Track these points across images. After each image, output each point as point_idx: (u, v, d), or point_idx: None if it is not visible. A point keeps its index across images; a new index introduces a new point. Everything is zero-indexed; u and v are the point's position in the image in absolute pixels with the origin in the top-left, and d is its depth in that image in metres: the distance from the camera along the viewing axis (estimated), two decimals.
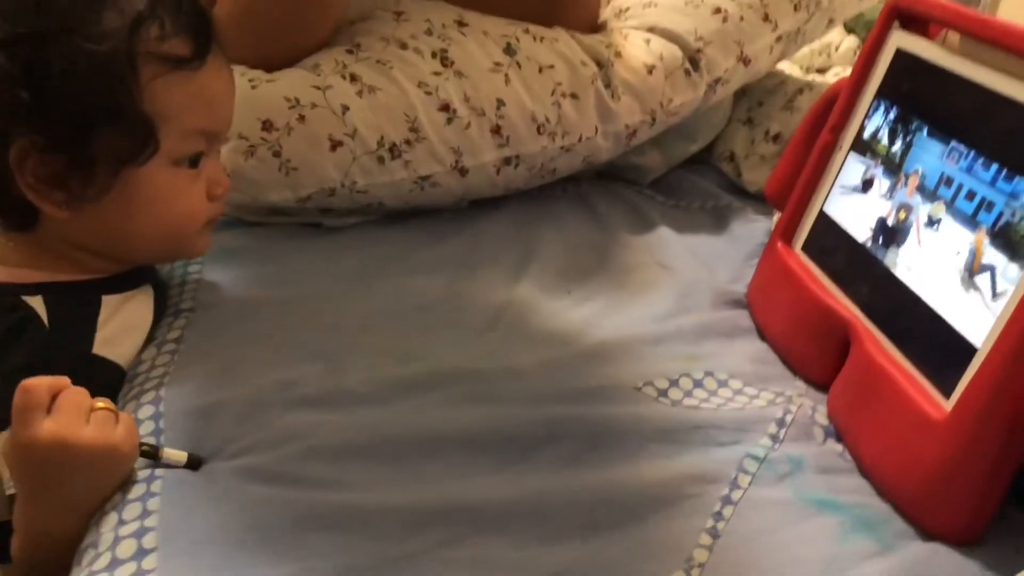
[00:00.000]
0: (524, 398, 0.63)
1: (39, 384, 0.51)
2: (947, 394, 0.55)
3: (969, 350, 0.54)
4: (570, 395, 0.64)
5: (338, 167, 0.82)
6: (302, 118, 0.80)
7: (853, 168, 0.71)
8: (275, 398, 0.60)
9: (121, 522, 0.50)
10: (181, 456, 0.54)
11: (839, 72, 1.31)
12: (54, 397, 0.51)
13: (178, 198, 0.65)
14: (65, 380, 0.52)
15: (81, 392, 0.52)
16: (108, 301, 0.65)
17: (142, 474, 0.54)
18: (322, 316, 0.71)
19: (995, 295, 0.54)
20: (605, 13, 1.03)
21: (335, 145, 0.81)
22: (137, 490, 0.52)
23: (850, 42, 1.43)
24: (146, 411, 0.59)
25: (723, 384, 0.68)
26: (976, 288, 0.55)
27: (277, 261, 0.80)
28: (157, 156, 0.61)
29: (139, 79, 0.59)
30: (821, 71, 1.35)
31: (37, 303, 0.61)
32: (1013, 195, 0.54)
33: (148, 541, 0.48)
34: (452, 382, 0.64)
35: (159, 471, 0.54)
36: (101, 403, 0.53)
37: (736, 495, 0.56)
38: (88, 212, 0.61)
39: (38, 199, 0.60)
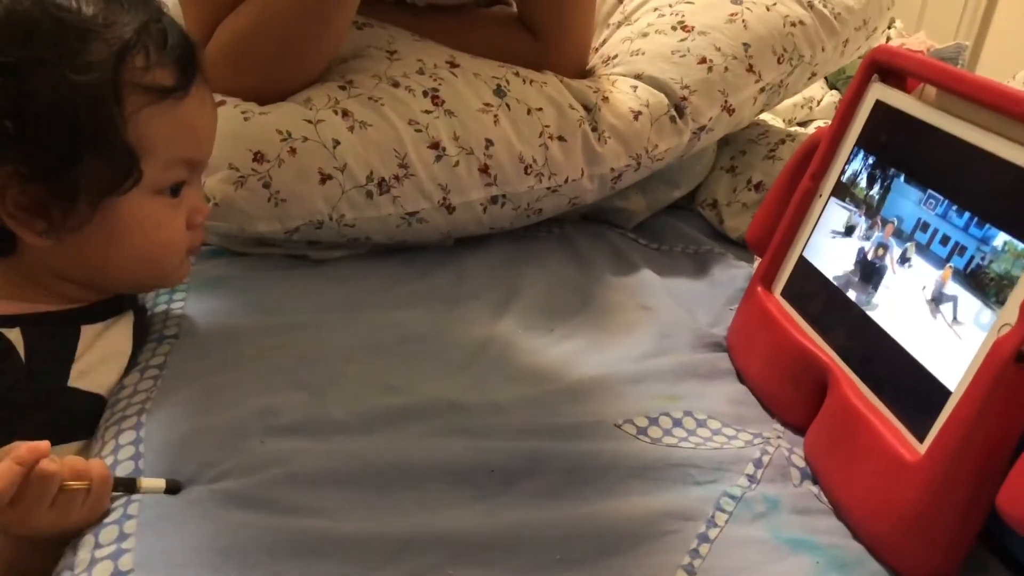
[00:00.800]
0: (505, 432, 0.63)
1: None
2: (921, 437, 0.56)
3: (943, 393, 0.56)
4: (550, 430, 0.64)
5: (327, 200, 0.83)
6: (293, 151, 0.81)
7: (834, 214, 0.73)
8: (256, 425, 0.60)
9: (98, 544, 0.49)
10: (159, 484, 0.54)
11: (820, 125, 1.34)
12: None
13: (159, 227, 0.64)
14: (43, 452, 0.50)
15: (49, 476, 0.50)
16: (87, 331, 0.65)
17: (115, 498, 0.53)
18: (305, 345, 0.71)
19: (955, 320, 0.55)
20: (593, 60, 1.05)
21: (325, 179, 0.82)
22: (114, 514, 0.52)
23: (831, 97, 1.46)
24: (127, 436, 0.58)
25: (702, 424, 0.68)
26: (940, 314, 0.57)
27: (262, 290, 0.80)
28: (139, 186, 0.61)
29: (124, 109, 0.59)
30: (803, 124, 1.38)
31: (15, 335, 0.61)
32: (983, 240, 0.56)
33: (124, 563, 0.47)
34: (433, 414, 0.65)
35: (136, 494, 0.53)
36: (73, 483, 0.51)
37: (713, 533, 0.57)
38: (68, 241, 0.61)
39: (18, 228, 0.60)
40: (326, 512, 0.53)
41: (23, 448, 0.50)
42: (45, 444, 0.51)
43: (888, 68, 0.71)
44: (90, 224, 0.60)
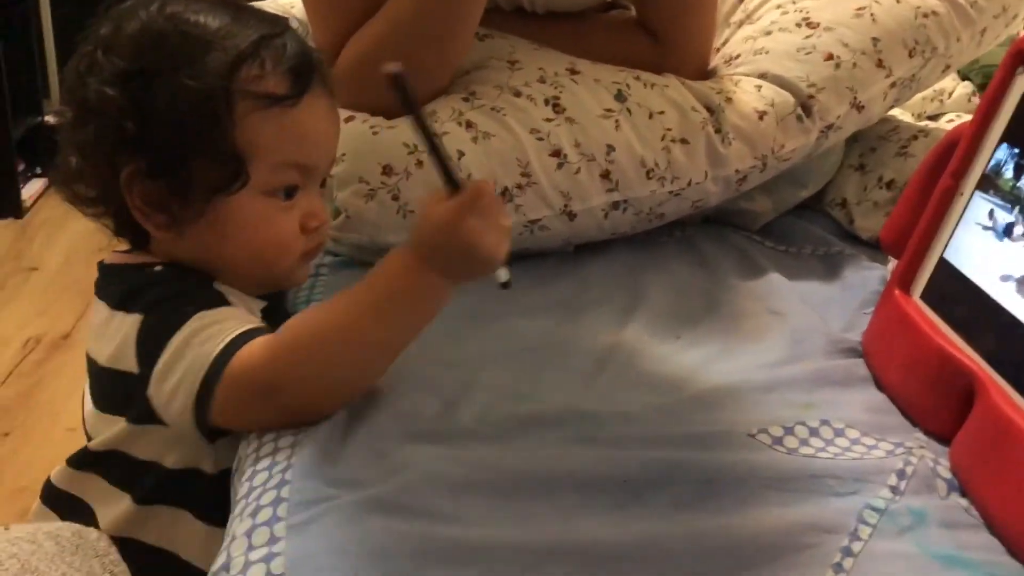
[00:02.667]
0: (636, 441, 0.63)
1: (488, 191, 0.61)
2: None
3: None
4: (683, 440, 0.63)
5: None
6: (420, 163, 0.83)
7: (981, 213, 0.70)
8: (394, 430, 0.61)
9: (251, 547, 0.52)
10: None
11: (952, 119, 1.28)
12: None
13: (268, 227, 0.68)
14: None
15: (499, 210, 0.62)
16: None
17: (267, 498, 0.56)
18: (435, 354, 0.73)
19: None
20: (715, 60, 1.03)
21: None
22: (264, 514, 0.54)
23: (964, 88, 1.39)
24: (285, 440, 0.61)
25: (840, 433, 0.66)
26: None
27: None
28: (249, 186, 0.65)
29: (233, 115, 0.63)
30: (933, 118, 1.32)
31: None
32: None
33: (276, 566, 0.50)
34: (563, 423, 0.65)
35: (284, 494, 0.56)
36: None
37: (856, 547, 0.55)
38: (188, 234, 0.67)
39: (144, 220, 0.66)
40: (464, 519, 0.54)
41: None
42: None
43: None
44: (204, 219, 0.66)
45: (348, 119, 0.87)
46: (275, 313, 0.73)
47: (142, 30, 0.64)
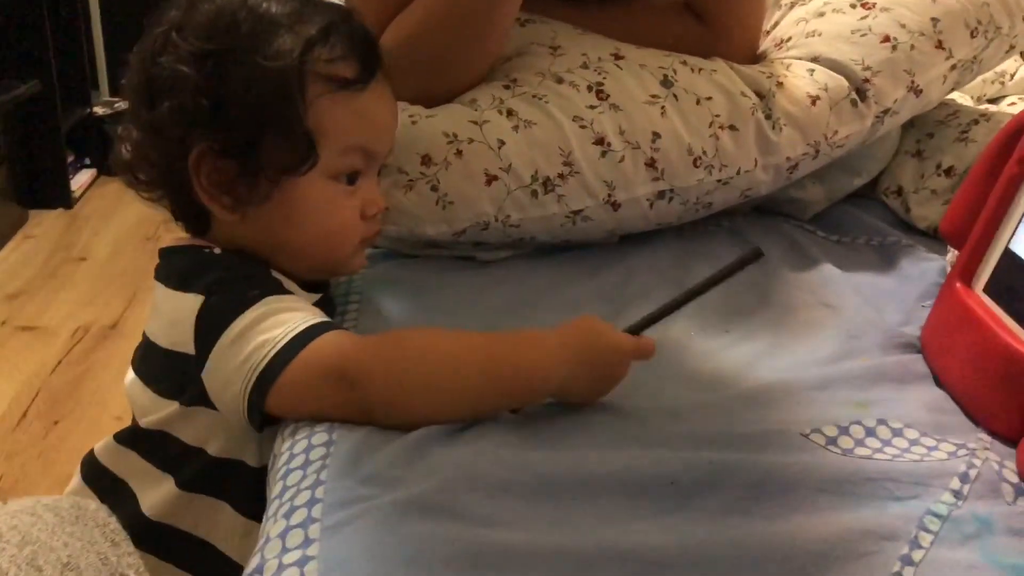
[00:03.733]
0: (683, 440, 0.60)
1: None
2: None
3: None
4: (732, 440, 0.61)
5: (493, 201, 0.82)
6: (459, 153, 0.81)
7: None
8: (432, 428, 0.60)
9: (284, 549, 0.50)
10: None
11: (1015, 102, 1.23)
12: None
13: (333, 211, 0.68)
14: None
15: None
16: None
17: (301, 498, 0.54)
18: None
19: None
20: (765, 43, 1.00)
21: (490, 180, 0.82)
22: (298, 515, 0.53)
23: None
24: (320, 437, 0.59)
25: (898, 433, 0.63)
26: None
27: (433, 292, 0.81)
28: (316, 169, 0.66)
29: (305, 96, 0.64)
30: (993, 101, 1.27)
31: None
32: None
33: (310, 570, 0.48)
34: (608, 421, 0.63)
35: (319, 494, 0.54)
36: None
37: (917, 555, 0.52)
38: (252, 218, 0.66)
39: (209, 201, 0.66)
40: (504, 523, 0.52)
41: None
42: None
43: None
44: (270, 202, 0.66)
45: None
46: (326, 307, 0.72)
47: (217, 12, 0.65)
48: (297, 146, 0.64)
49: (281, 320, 0.62)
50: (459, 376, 0.61)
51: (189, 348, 0.63)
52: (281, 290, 0.66)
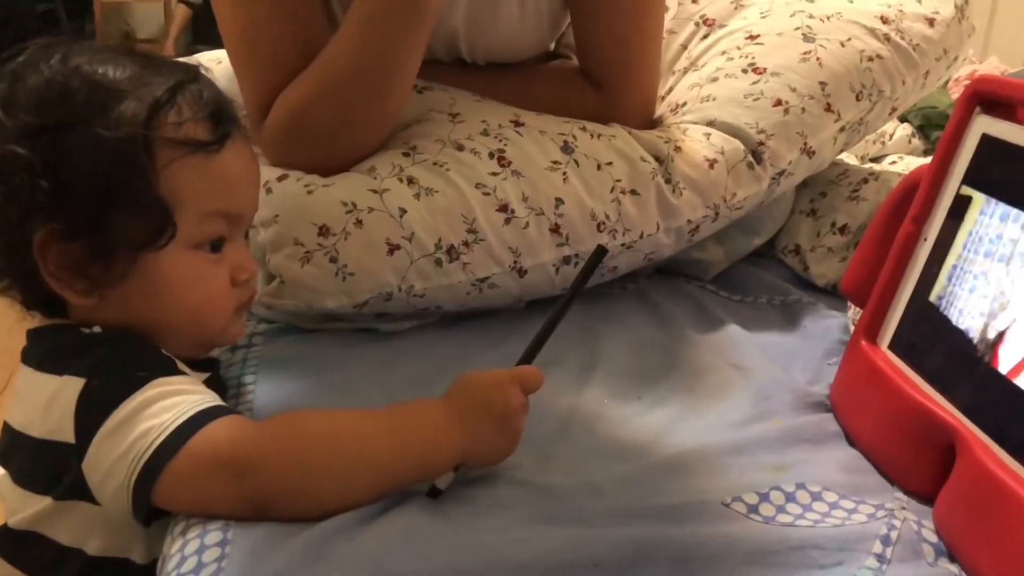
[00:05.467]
0: (604, 516, 0.58)
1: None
2: None
3: None
4: (653, 513, 0.59)
5: (395, 271, 0.79)
6: (359, 222, 0.78)
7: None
8: (338, 521, 0.55)
9: None
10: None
11: (895, 160, 1.28)
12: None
13: (199, 283, 0.64)
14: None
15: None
16: None
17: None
18: None
19: None
20: (661, 108, 1.01)
21: (392, 249, 0.79)
22: None
23: (903, 130, 1.40)
24: (213, 536, 0.54)
25: (817, 497, 0.62)
26: None
27: (334, 369, 0.76)
28: (176, 240, 0.61)
29: (155, 164, 0.60)
30: (876, 159, 1.32)
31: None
32: None
33: None
34: (525, 498, 0.60)
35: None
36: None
37: None
38: (111, 299, 0.61)
39: (60, 287, 0.61)
40: None
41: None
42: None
43: (993, 99, 0.66)
44: (129, 281, 0.61)
45: (281, 178, 0.82)
46: (215, 387, 0.68)
47: (47, 83, 0.59)
48: (151, 219, 0.60)
49: (169, 404, 0.57)
50: (363, 457, 0.58)
51: (68, 436, 0.58)
52: (172, 370, 0.61)
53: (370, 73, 0.80)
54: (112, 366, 0.59)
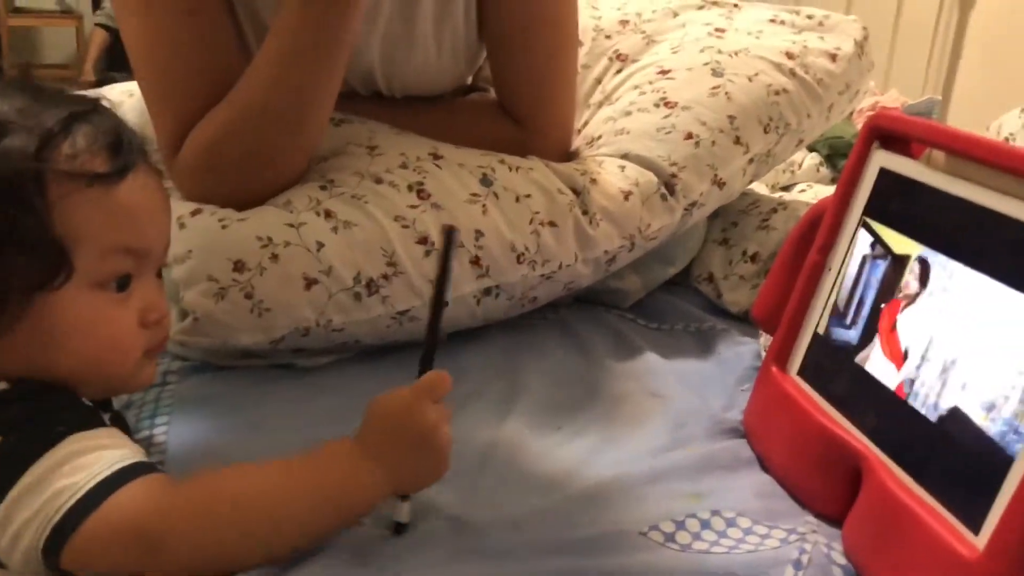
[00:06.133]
0: (524, 551, 0.58)
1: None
2: (975, 529, 0.52)
3: (991, 480, 0.52)
4: (574, 545, 0.59)
5: (313, 306, 0.79)
6: (275, 257, 0.77)
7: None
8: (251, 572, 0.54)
9: None
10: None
11: (804, 189, 1.33)
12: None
13: (103, 324, 0.59)
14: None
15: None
16: None
17: None
18: None
19: None
20: (577, 142, 1.03)
21: (310, 283, 0.78)
22: None
23: (812, 159, 1.46)
24: None
25: (731, 523, 0.64)
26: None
27: (251, 407, 0.75)
28: (74, 280, 0.57)
29: (47, 198, 0.55)
30: (786, 188, 1.37)
31: None
32: None
33: None
34: (446, 535, 0.60)
35: None
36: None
37: None
38: (7, 345, 0.57)
39: None
40: None
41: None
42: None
43: (890, 134, 0.69)
44: (25, 324, 0.56)
45: (195, 212, 0.81)
46: (119, 423, 0.65)
47: None
48: (44, 258, 0.56)
49: (86, 463, 0.54)
50: (280, 520, 0.56)
51: None
52: (93, 421, 0.57)
53: (284, 108, 0.80)
54: (28, 422, 0.56)
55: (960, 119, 2.03)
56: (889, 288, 0.65)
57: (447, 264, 0.65)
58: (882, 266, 0.66)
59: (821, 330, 0.71)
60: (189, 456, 0.67)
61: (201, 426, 0.72)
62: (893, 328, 0.64)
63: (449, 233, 0.64)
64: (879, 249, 0.67)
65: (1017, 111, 1.68)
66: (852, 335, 0.68)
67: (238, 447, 0.69)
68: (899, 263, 0.64)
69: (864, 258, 0.68)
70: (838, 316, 0.70)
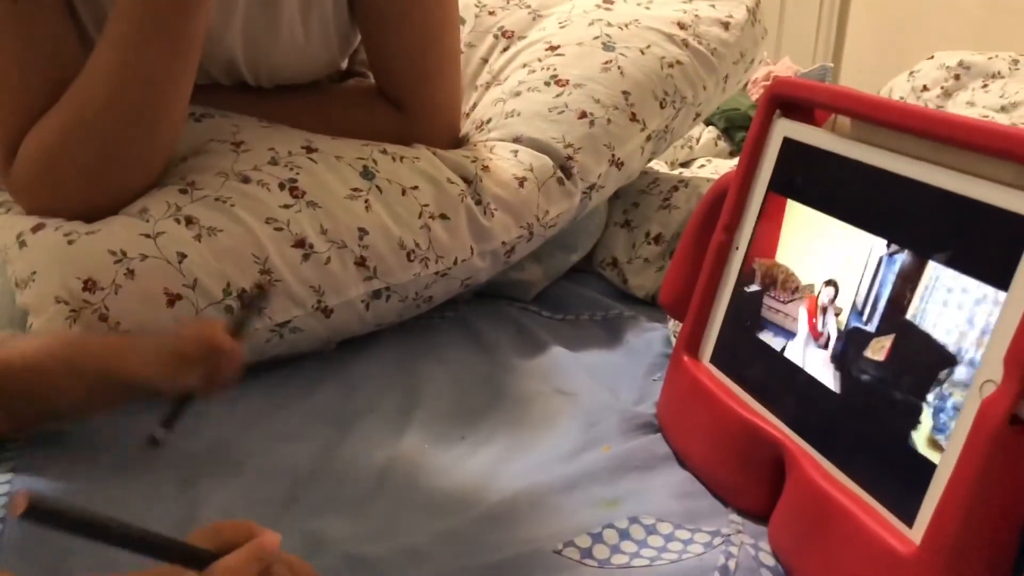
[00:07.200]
0: None
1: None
2: (908, 522, 0.48)
3: (925, 465, 0.48)
4: (482, 573, 0.53)
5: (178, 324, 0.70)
6: (131, 273, 0.69)
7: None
8: None
9: None
10: None
11: (703, 164, 1.30)
12: None
13: None
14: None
15: None
16: None
17: None
18: (177, 515, 0.59)
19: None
20: (466, 126, 0.97)
21: (172, 300, 0.70)
22: None
23: (709, 133, 1.43)
24: None
25: (651, 531, 0.59)
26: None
27: (111, 447, 0.67)
28: None
29: None
30: (685, 164, 1.34)
31: None
32: None
33: None
34: (339, 574, 0.53)
35: None
36: None
37: None
38: None
39: None
40: None
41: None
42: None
43: (791, 102, 0.65)
44: None
45: (36, 227, 0.71)
46: None
47: None
48: None
49: None
50: None
51: None
52: None
53: (132, 103, 0.71)
54: None
55: (851, 84, 2.04)
56: None
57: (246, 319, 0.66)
58: None
59: (731, 314, 0.67)
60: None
61: (56, 469, 0.63)
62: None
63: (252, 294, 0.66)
64: None
65: (906, 74, 1.69)
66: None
67: (101, 494, 0.60)
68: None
69: None
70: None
